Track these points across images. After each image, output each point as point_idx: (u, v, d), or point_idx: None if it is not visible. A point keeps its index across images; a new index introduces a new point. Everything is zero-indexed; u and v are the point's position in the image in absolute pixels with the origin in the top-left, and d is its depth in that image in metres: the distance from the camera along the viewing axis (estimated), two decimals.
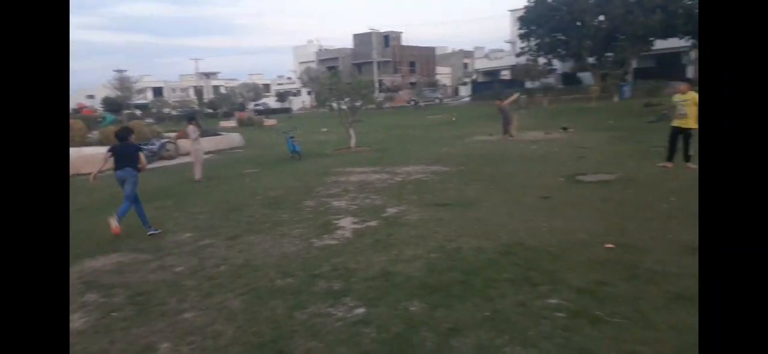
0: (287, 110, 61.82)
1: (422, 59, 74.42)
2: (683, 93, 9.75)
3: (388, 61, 69.42)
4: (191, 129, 12.82)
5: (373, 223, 6.95)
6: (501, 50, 71.30)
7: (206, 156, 18.22)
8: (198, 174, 12.43)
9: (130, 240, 7.07)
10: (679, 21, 34.12)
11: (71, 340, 4.03)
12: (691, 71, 43.09)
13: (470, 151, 14.73)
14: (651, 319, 3.66)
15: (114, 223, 7.19)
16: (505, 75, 61.81)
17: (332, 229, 6.82)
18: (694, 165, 9.14)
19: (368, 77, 55.22)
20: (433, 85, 65.27)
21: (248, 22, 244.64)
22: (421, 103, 52.01)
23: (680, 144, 9.68)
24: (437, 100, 53.90)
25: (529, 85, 45.01)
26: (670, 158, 9.83)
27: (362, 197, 8.86)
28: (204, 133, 22.61)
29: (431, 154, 14.57)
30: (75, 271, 5.84)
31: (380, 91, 61.03)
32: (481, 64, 68.86)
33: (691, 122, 9.32)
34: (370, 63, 65.11)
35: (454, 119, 30.91)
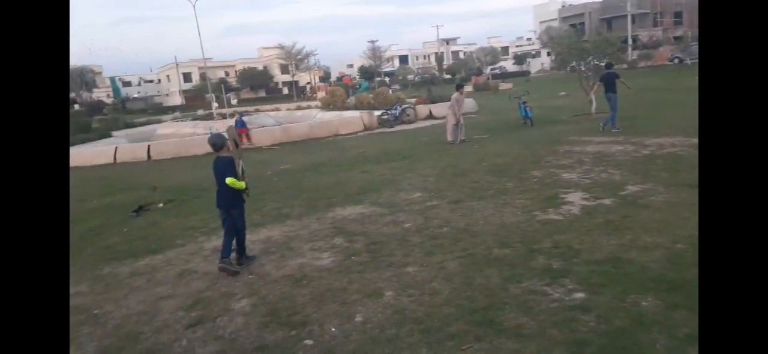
0: (525, 73, 59.90)
1: (691, 8, 62.00)
2: None
3: (647, 12, 60.15)
4: (457, 95, 13.54)
5: (606, 201, 6.28)
6: None
7: (439, 121, 19.18)
8: (449, 137, 13.29)
9: (372, 194, 8.01)
10: None
11: (320, 275, 4.86)
12: None
13: None
14: None
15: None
16: None
17: (558, 203, 6.42)
18: None
19: (620, 33, 49.10)
20: None
21: None
22: (688, 61, 43.72)
23: None
24: None
25: None
26: None
27: (598, 171, 8.07)
28: (433, 101, 23.84)
29: (693, 124, 12.23)
30: (328, 217, 6.96)
31: (634, 49, 53.67)
32: None
33: None
34: (624, 17, 57.53)
35: None
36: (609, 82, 12.55)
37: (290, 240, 6.08)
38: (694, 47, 47.41)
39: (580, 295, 3.88)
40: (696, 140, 9.87)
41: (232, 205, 5.26)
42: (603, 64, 16.68)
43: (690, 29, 58.18)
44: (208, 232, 6.78)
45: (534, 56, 71.25)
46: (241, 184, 5.25)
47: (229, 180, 5.09)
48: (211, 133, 7.64)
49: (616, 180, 7.36)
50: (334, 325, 3.86)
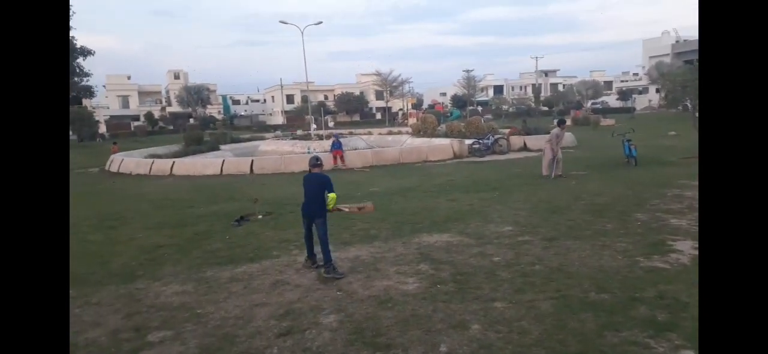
0: (629, 110, 56.37)
1: None
2: None
3: None
4: (557, 131, 13.08)
5: None
6: None
7: (533, 154, 18.56)
8: (544, 171, 12.82)
9: (459, 223, 7.93)
10: None
11: (405, 299, 4.87)
12: None
13: None
14: None
15: None
16: None
17: (665, 250, 5.91)
18: None
19: None
20: None
21: (593, 17, 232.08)
22: None
23: None
24: None
25: None
26: None
27: None
28: (528, 132, 23.13)
29: None
30: (414, 242, 6.98)
31: None
32: None
33: None
34: None
35: None
36: None
37: (377, 261, 6.19)
38: None
39: (688, 353, 3.52)
40: None
41: (318, 214, 5.88)
42: None
43: None
44: (301, 245, 7.09)
45: (640, 92, 66.87)
46: (333, 201, 5.92)
47: (332, 194, 5.84)
48: (312, 152, 8.39)
49: None
50: (418, 351, 3.84)
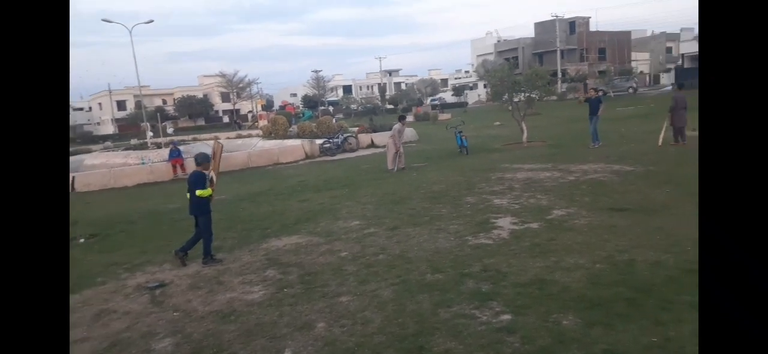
0: (463, 104, 62.01)
1: (614, 45, 67.12)
2: None
3: (574, 48, 64.42)
4: (399, 126, 13.86)
5: (534, 225, 6.54)
6: None
7: (380, 150, 19.38)
8: (389, 165, 13.51)
9: (310, 224, 7.91)
10: None
11: (250, 309, 4.69)
12: None
13: (665, 149, 12.81)
14: None
15: None
16: None
17: (489, 228, 6.62)
18: None
19: (551, 67, 52.25)
20: (627, 73, 58.36)
21: (430, 19, 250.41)
22: (611, 94, 46.98)
23: None
24: (631, 90, 48.21)
25: None
26: None
27: (527, 196, 8.41)
28: (375, 130, 24.18)
29: (615, 152, 13.08)
30: (262, 248, 6.78)
31: (563, 82, 57.11)
32: (689, 48, 59.06)
33: None
34: (553, 52, 61.30)
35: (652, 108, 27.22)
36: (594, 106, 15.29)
37: (220, 274, 5.86)
38: (617, 81, 51.26)
39: (506, 316, 3.98)
40: (617, 167, 10.56)
41: (199, 212, 6.23)
42: (534, 95, 17.58)
43: (613, 64, 62.72)
44: (132, 268, 6.41)
45: (471, 88, 74.01)
46: (209, 192, 6.25)
47: (198, 191, 6.10)
48: (147, 163, 8.22)
49: (543, 205, 7.69)
50: None
